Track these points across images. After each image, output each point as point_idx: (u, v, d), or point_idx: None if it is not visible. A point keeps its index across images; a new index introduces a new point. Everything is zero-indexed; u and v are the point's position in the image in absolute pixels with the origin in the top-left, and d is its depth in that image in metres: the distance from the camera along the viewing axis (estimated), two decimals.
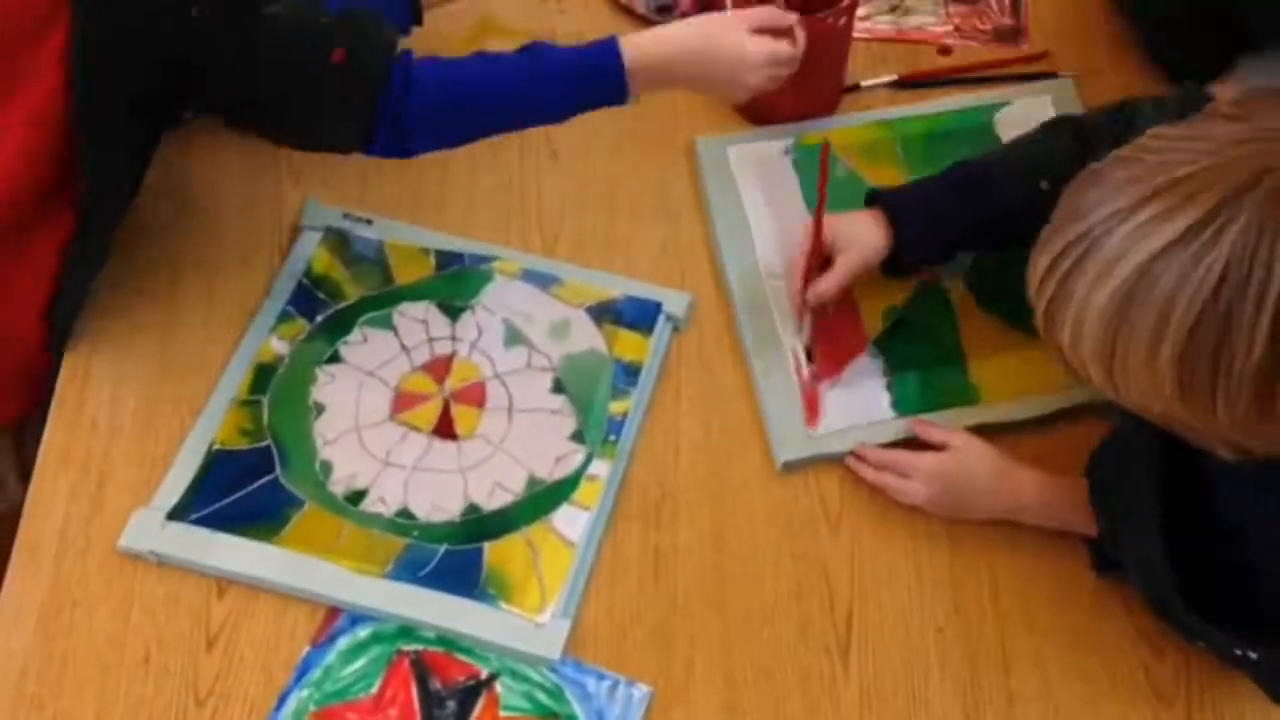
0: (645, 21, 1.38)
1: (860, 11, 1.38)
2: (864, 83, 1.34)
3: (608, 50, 1.07)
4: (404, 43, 1.08)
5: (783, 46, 1.12)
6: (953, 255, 1.18)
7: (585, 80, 1.07)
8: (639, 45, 1.08)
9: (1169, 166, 0.77)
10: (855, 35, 1.35)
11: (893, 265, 1.15)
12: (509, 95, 1.07)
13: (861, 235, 1.13)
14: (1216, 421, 0.78)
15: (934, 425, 1.11)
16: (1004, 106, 1.32)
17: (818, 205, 1.14)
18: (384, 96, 1.04)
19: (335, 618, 1.04)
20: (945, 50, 1.38)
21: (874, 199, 1.15)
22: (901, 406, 1.14)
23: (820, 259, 1.14)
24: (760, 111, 1.31)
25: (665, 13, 1.39)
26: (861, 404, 1.14)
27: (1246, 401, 0.76)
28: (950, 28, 1.39)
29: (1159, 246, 0.75)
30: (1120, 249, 0.77)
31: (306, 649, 1.02)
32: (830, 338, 1.17)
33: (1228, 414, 0.76)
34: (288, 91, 1.03)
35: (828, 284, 1.13)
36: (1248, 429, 0.78)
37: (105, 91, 1.00)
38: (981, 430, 1.13)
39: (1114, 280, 0.77)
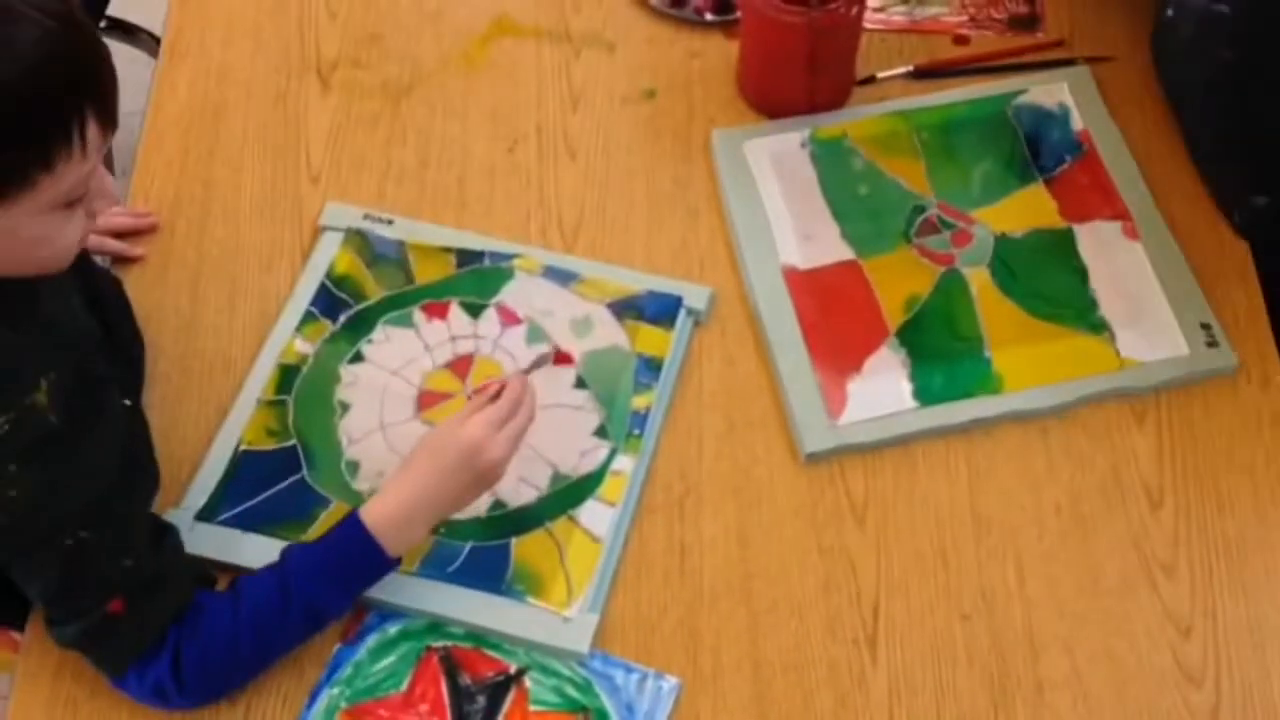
0: (659, 15, 1.39)
1: (875, 3, 1.38)
2: (880, 74, 1.34)
3: (351, 526, 0.99)
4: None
5: (496, 408, 1.02)
6: None
7: (347, 573, 1.00)
8: (377, 505, 1.00)
9: None
10: (870, 27, 1.36)
11: None
12: (281, 630, 0.99)
13: None
14: None
15: None
16: (1020, 95, 1.32)
17: None
18: (146, 665, 0.97)
19: (364, 615, 1.04)
20: (961, 40, 1.38)
21: None
22: (924, 396, 1.14)
23: None
24: (774, 104, 1.31)
25: (679, 6, 1.39)
26: (884, 394, 1.14)
27: None
28: (965, 17, 1.39)
29: None
30: None
31: (336, 646, 1.03)
32: (852, 329, 1.18)
33: None
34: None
35: None
36: None
37: None
38: (1005, 419, 1.13)
39: None
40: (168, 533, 1.01)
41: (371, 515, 0.99)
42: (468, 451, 1.00)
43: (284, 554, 1.00)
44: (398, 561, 1.01)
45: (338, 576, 1.00)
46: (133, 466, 1.00)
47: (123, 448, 0.98)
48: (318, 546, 1.00)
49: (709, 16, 1.38)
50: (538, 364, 1.14)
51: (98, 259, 1.20)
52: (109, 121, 0.90)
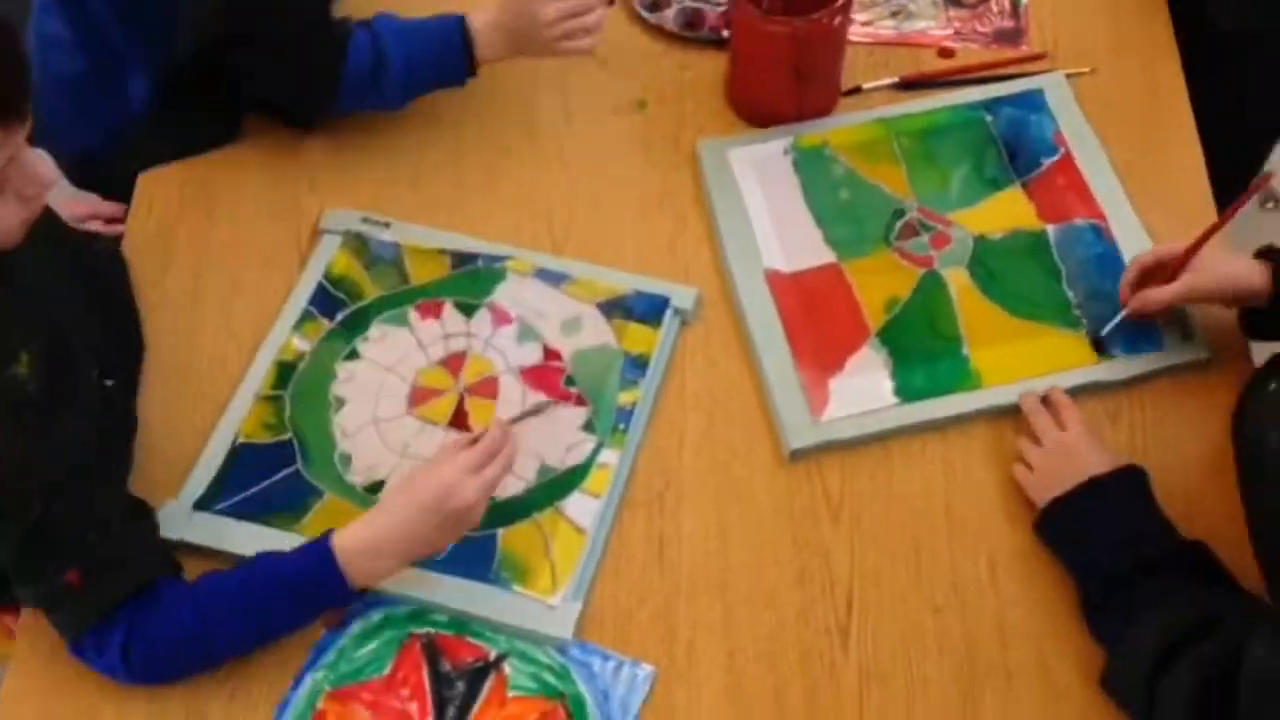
0: (650, 30, 1.42)
1: (862, 16, 1.41)
2: (866, 85, 1.37)
3: (320, 549, 1.01)
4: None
5: (472, 453, 1.03)
6: None
7: (305, 591, 1.02)
8: (349, 533, 1.02)
9: None
10: (858, 39, 1.39)
11: (1264, 323, 1.12)
12: (227, 632, 1.02)
13: (1230, 267, 1.11)
14: None
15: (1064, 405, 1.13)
16: (996, 100, 1.34)
17: (1207, 229, 1.11)
18: (102, 639, 1.00)
19: None
20: (946, 52, 1.41)
21: (1267, 253, 1.12)
22: (904, 393, 1.17)
23: (1164, 270, 1.13)
24: (761, 114, 1.34)
25: (693, 28, 1.42)
26: (865, 392, 1.17)
27: None
28: (950, 31, 1.42)
29: None
30: None
31: (322, 632, 1.06)
32: (834, 329, 1.21)
33: None
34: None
35: (1158, 295, 1.13)
36: None
37: None
38: (983, 415, 1.16)
39: None
40: (145, 516, 1.04)
41: (343, 541, 1.01)
42: (440, 493, 1.01)
43: (255, 560, 1.03)
44: (359, 593, 1.03)
45: (295, 595, 1.02)
46: (107, 443, 1.02)
47: (99, 424, 1.01)
48: (286, 561, 1.02)
49: (725, 33, 1.40)
50: (537, 410, 1.14)
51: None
52: (12, 114, 0.90)
